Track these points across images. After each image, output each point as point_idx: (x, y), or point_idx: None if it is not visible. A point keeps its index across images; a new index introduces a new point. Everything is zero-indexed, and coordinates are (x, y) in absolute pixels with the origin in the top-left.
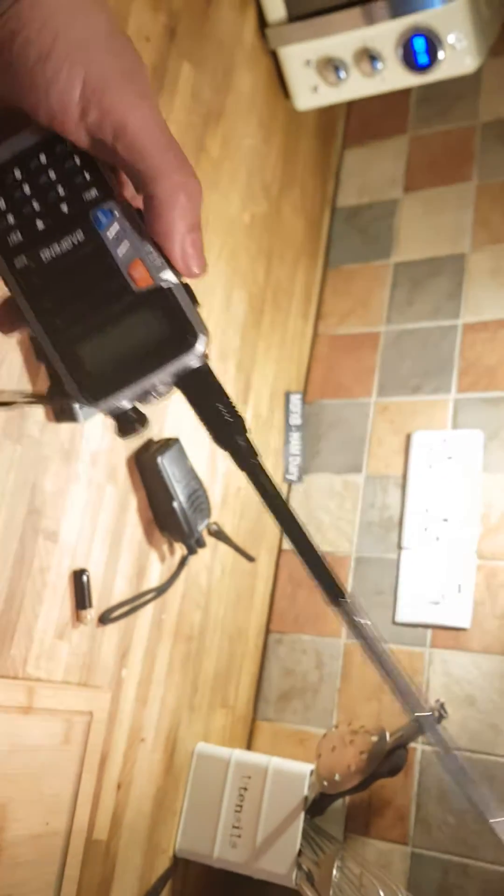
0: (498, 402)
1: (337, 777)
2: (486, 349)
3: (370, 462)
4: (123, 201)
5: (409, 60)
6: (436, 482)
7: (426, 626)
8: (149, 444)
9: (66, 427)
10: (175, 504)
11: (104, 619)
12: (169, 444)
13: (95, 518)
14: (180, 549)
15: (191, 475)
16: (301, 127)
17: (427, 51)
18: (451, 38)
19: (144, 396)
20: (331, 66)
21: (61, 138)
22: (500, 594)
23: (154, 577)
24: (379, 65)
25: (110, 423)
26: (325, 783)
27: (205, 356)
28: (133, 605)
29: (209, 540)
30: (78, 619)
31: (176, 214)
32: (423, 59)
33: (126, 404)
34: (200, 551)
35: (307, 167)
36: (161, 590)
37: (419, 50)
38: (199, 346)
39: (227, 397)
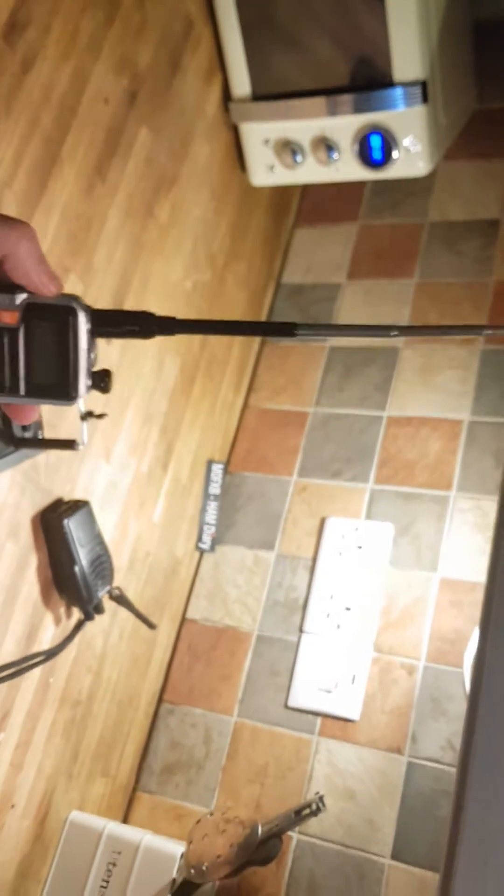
0: (411, 498)
1: (205, 866)
2: (406, 444)
3: (283, 541)
4: None
5: (364, 156)
6: (343, 570)
7: (316, 714)
8: (57, 504)
9: None
10: (76, 568)
11: None
12: (78, 506)
13: None
14: (77, 613)
15: (96, 540)
16: (255, 201)
17: (382, 149)
18: (406, 141)
19: (91, 362)
20: (288, 149)
21: None
22: (392, 690)
23: (47, 639)
24: (335, 155)
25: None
26: (193, 871)
27: (86, 309)
28: (19, 667)
29: (109, 604)
30: None
31: (26, 259)
32: (377, 156)
33: (88, 382)
34: (99, 615)
35: (256, 241)
36: (51, 653)
37: (375, 147)
38: (82, 315)
39: (120, 312)
